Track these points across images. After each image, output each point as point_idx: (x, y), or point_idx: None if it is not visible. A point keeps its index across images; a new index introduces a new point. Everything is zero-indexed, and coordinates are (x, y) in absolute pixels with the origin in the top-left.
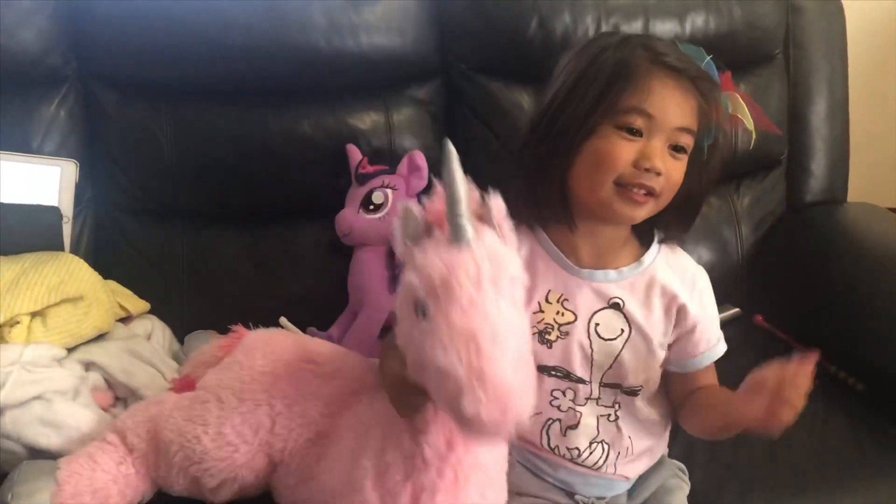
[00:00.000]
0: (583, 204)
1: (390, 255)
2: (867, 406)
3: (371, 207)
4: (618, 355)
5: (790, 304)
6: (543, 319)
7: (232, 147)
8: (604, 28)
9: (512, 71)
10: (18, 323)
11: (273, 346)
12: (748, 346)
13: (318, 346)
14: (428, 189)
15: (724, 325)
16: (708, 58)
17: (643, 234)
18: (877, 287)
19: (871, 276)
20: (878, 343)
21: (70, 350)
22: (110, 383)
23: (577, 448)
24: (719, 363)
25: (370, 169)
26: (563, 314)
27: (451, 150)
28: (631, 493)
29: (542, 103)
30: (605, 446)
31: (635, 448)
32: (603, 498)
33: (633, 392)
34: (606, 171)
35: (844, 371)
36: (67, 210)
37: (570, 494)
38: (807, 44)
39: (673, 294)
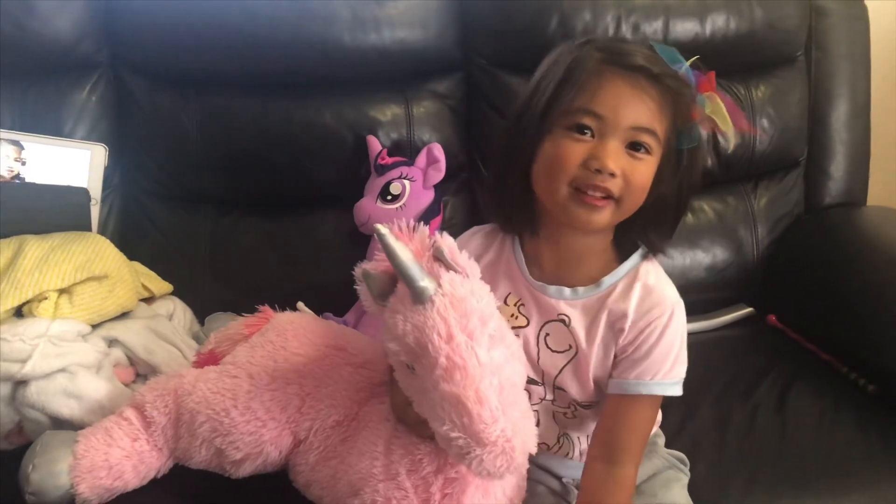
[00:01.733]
0: (545, 208)
1: None
2: (877, 407)
3: (389, 198)
4: (562, 368)
5: (804, 304)
6: None
7: (255, 136)
8: (623, 27)
9: (531, 67)
10: (46, 298)
11: (305, 329)
12: (759, 344)
13: (348, 335)
14: (442, 181)
15: (737, 323)
16: (685, 62)
17: (625, 249)
18: (892, 290)
19: (887, 280)
20: (891, 345)
21: (95, 326)
22: (132, 360)
23: (545, 443)
24: (732, 363)
25: (389, 160)
26: (517, 317)
27: (381, 231)
28: None
29: (515, 103)
30: (572, 438)
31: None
32: None
33: (590, 406)
34: (558, 174)
35: (856, 372)
36: (96, 192)
37: (558, 477)
38: (829, 46)
39: (620, 314)
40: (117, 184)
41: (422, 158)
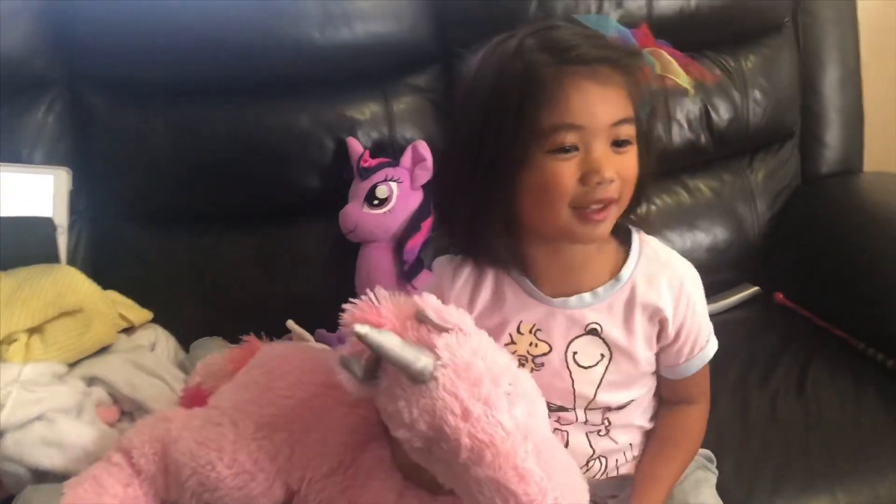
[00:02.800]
0: (540, 233)
1: (398, 249)
2: None
3: (375, 202)
4: (601, 381)
5: (811, 279)
6: (516, 352)
7: (228, 146)
8: (605, 7)
9: None
10: (16, 340)
11: (293, 367)
12: (769, 325)
13: None
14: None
15: (743, 304)
16: (615, 23)
17: (619, 230)
18: None
19: (891, 247)
20: None
21: (72, 365)
22: (115, 398)
23: None
24: (744, 346)
25: (372, 162)
26: (536, 345)
27: (361, 332)
28: None
29: (456, 134)
30: (603, 460)
31: (636, 449)
32: (615, 496)
33: (622, 408)
34: (556, 201)
35: (873, 347)
36: (62, 219)
37: None
38: (816, 10)
39: (655, 308)
40: (84, 208)
41: (407, 158)
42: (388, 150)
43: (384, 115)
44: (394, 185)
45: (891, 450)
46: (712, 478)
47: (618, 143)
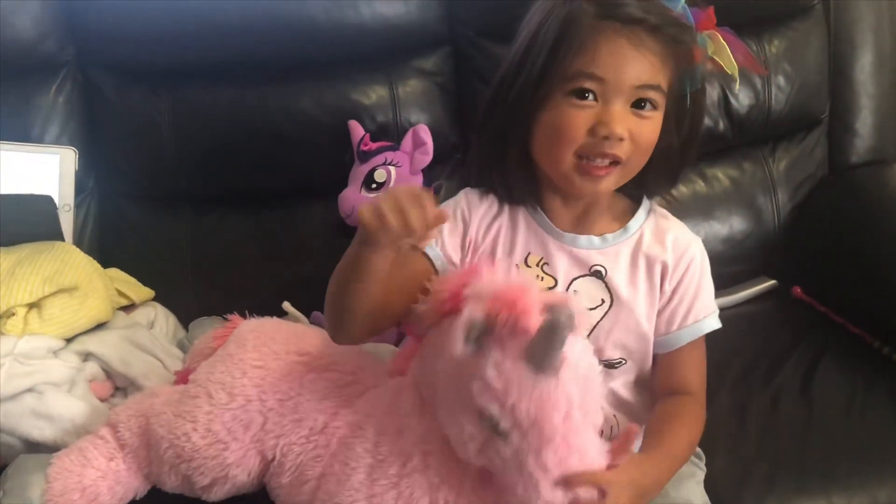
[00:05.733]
0: (548, 178)
1: None
2: None
3: (374, 186)
4: (595, 326)
5: (831, 274)
6: None
7: (231, 128)
8: None
9: None
10: (14, 314)
11: (265, 337)
12: (784, 320)
13: (311, 337)
14: (433, 164)
15: (759, 298)
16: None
17: (633, 191)
18: None
19: None
20: None
21: (69, 341)
22: (109, 373)
23: None
24: (754, 342)
25: (372, 145)
26: (542, 278)
27: (565, 314)
28: None
29: (502, 67)
30: None
31: (617, 428)
32: None
33: (612, 366)
34: (563, 145)
35: (889, 346)
36: (69, 198)
37: None
38: None
39: (659, 263)
40: (92, 188)
41: (407, 142)
42: (393, 134)
43: (389, 99)
44: (392, 169)
45: (893, 450)
46: (699, 474)
47: (638, 105)
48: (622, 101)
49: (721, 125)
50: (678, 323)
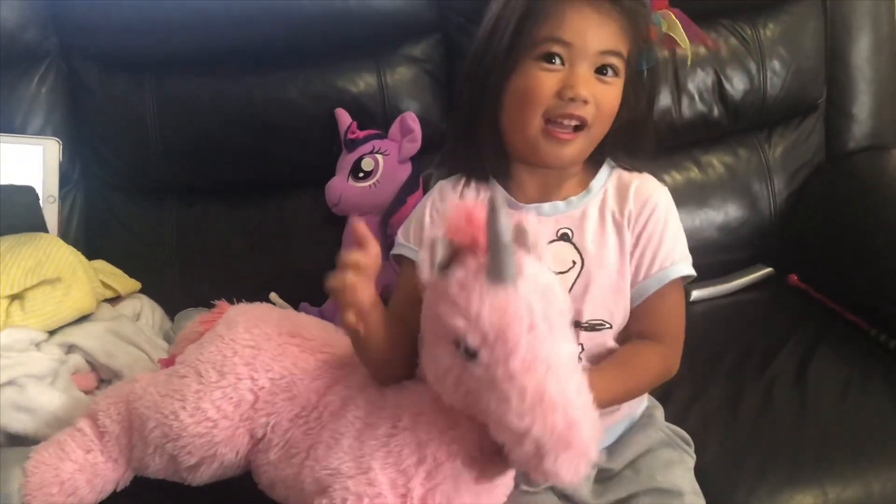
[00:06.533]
0: (516, 149)
1: (383, 223)
2: None
3: (361, 175)
4: (570, 288)
5: (827, 262)
6: None
7: (217, 118)
8: None
9: None
10: None
11: (256, 319)
12: (780, 307)
13: (303, 319)
14: (422, 153)
15: (755, 286)
16: None
17: (595, 158)
18: None
19: None
20: None
21: (52, 333)
22: (93, 365)
23: None
24: (749, 330)
25: (360, 134)
26: None
27: (497, 203)
28: (612, 452)
29: (474, 44)
30: None
31: None
32: None
33: (593, 328)
34: (532, 107)
35: (886, 333)
36: (53, 189)
37: None
38: None
39: (625, 215)
40: (77, 179)
41: (395, 130)
42: (381, 123)
43: (377, 87)
44: (380, 157)
45: (891, 443)
46: (689, 460)
47: (602, 72)
48: (587, 65)
49: (716, 111)
50: (644, 272)
